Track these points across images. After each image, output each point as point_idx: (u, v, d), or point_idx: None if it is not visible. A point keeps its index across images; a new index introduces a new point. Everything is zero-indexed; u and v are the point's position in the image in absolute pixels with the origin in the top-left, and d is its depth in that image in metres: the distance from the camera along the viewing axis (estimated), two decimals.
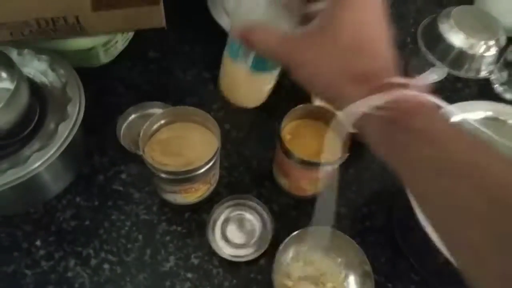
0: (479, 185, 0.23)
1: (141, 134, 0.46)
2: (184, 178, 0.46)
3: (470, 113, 0.52)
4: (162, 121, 0.49)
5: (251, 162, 0.59)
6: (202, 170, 0.46)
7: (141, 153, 0.46)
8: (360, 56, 0.29)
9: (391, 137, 0.27)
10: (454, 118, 0.51)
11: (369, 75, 0.28)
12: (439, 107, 0.28)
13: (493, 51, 0.69)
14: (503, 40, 0.70)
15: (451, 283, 0.51)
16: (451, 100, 0.35)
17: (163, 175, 0.46)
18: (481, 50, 0.69)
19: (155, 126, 0.48)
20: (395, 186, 0.52)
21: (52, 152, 0.47)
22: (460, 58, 0.69)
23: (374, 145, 0.30)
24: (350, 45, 0.29)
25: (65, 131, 0.49)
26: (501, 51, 0.69)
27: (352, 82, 0.29)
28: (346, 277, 0.50)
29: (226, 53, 0.41)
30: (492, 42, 0.69)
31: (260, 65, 0.39)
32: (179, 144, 0.49)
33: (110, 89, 0.63)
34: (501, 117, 0.52)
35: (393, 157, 0.28)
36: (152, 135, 0.49)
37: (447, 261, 0.42)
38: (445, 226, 0.25)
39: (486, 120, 0.52)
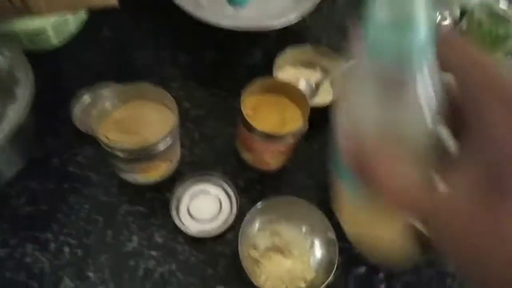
0: None
1: (93, 114, 0.45)
2: (142, 156, 0.45)
3: None
4: (116, 100, 0.47)
5: (214, 139, 0.58)
6: (160, 146, 0.45)
7: (94, 133, 0.44)
8: None
9: None
10: None
11: None
12: None
13: (448, 21, 0.71)
14: (457, 11, 0.72)
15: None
16: None
17: (119, 154, 0.45)
18: (437, 20, 0.70)
19: (109, 106, 0.47)
20: None
21: (1, 136, 0.45)
22: None
23: None
24: None
25: (14, 114, 0.47)
26: (456, 22, 0.71)
27: None
28: (312, 244, 0.50)
29: (345, 192, 0.25)
30: (447, 12, 0.70)
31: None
32: (136, 123, 0.47)
33: (64, 72, 0.61)
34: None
35: None
36: (107, 115, 0.47)
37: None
38: None
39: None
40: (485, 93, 0.19)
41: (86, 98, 0.57)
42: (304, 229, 0.51)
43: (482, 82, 0.19)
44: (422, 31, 0.17)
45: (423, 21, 0.17)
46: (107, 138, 0.46)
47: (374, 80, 0.19)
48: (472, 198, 0.18)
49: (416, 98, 0.19)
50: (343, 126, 0.21)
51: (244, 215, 0.49)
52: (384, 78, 0.19)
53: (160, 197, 0.52)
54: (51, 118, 0.56)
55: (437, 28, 0.18)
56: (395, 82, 0.19)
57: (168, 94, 0.48)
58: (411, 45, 0.18)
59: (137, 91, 0.48)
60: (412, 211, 0.20)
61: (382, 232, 0.25)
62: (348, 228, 0.27)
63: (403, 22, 0.17)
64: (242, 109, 0.50)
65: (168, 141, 0.46)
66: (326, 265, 0.48)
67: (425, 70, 0.18)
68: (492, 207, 0.18)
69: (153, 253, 0.49)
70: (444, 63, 0.20)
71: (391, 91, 0.19)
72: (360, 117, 0.21)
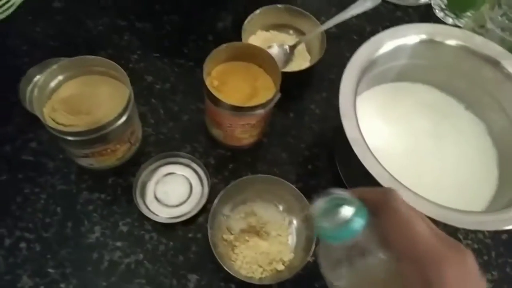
0: None
1: (36, 93, 0.40)
2: (94, 138, 0.41)
3: (403, 38, 0.48)
4: (61, 76, 0.42)
5: (181, 116, 0.54)
6: (114, 127, 0.41)
7: (39, 115, 0.40)
8: None
9: None
10: (388, 46, 0.47)
11: None
12: None
13: None
14: None
15: None
16: None
17: (69, 138, 0.40)
18: None
19: (53, 83, 0.42)
20: (335, 126, 0.49)
21: None
22: None
23: None
24: None
25: None
26: None
27: None
28: (289, 224, 0.47)
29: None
30: None
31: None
32: (86, 101, 0.42)
33: (9, 49, 0.55)
34: (437, 39, 0.48)
35: None
36: (52, 93, 0.42)
37: None
38: None
39: (421, 44, 0.48)
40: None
41: (37, 77, 0.52)
42: (281, 208, 0.48)
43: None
44: (353, 227, 0.25)
45: (352, 221, 0.25)
46: (54, 121, 0.41)
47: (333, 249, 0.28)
48: None
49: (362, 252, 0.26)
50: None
51: (216, 196, 0.45)
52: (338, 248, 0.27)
53: (122, 183, 0.48)
54: None
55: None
56: (344, 250, 0.27)
57: (118, 66, 0.42)
58: (347, 234, 0.25)
59: (85, 65, 0.43)
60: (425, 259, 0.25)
61: None
62: None
63: (338, 227, 0.25)
64: (206, 80, 0.45)
65: (123, 119, 0.42)
66: (304, 245, 0.45)
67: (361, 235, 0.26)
68: None
69: (118, 243, 0.45)
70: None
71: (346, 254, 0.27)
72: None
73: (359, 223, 0.25)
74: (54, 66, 0.42)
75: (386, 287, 0.27)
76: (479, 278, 0.25)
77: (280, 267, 0.45)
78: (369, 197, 0.28)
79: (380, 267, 0.27)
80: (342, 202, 0.26)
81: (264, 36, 0.59)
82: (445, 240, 0.26)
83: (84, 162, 0.45)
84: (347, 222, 0.25)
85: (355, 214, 0.25)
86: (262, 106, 0.45)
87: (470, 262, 0.25)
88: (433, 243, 0.25)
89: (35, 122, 0.49)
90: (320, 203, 0.27)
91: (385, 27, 0.48)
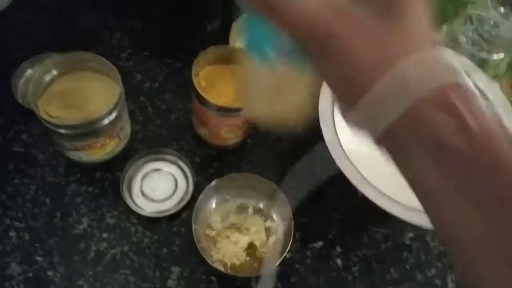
0: None
1: (31, 86, 0.42)
2: (85, 132, 0.43)
3: None
4: (55, 71, 0.44)
5: (169, 114, 0.56)
6: (105, 122, 0.43)
7: (34, 108, 0.41)
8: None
9: (412, 117, 0.20)
10: None
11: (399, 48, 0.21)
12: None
13: None
14: None
15: (370, 217, 0.52)
16: None
17: (61, 131, 0.42)
18: None
19: (47, 77, 0.44)
20: (315, 126, 0.52)
21: None
22: None
23: (412, 169, 0.21)
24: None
25: None
26: None
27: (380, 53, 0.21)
28: (269, 221, 0.50)
29: (247, 57, 0.27)
30: None
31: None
32: (78, 96, 0.44)
33: (2, 43, 0.56)
34: None
35: (406, 141, 0.20)
36: (46, 88, 0.44)
37: (364, 197, 0.43)
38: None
39: None
40: None
41: (29, 72, 0.53)
42: (261, 205, 0.51)
43: None
44: None
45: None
46: (48, 114, 0.43)
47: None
48: (374, 15, 0.21)
49: None
50: None
51: (200, 192, 0.48)
52: None
53: (110, 177, 0.50)
54: None
55: None
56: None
57: (111, 64, 0.44)
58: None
59: (79, 61, 0.45)
60: (311, 34, 0.21)
61: (282, 103, 0.29)
62: (249, 100, 0.30)
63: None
64: (194, 81, 0.48)
65: (114, 115, 0.44)
66: (283, 241, 0.48)
67: None
68: (389, 24, 0.21)
69: (104, 235, 0.47)
70: None
71: None
72: None
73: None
74: (49, 61, 0.44)
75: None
76: None
77: (259, 261, 0.47)
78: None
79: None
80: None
81: None
82: None
83: (74, 155, 0.47)
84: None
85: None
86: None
87: None
88: None
89: (26, 115, 0.51)
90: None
91: None
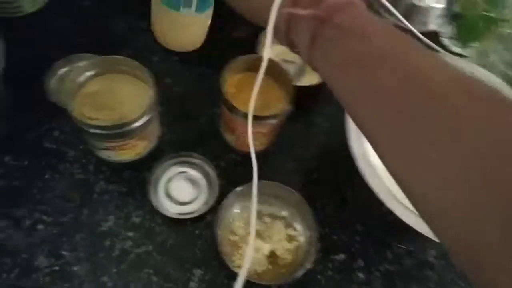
0: (394, 67, 0.24)
1: (66, 86, 0.43)
2: (117, 133, 0.44)
3: None
4: (90, 73, 0.45)
5: (197, 118, 0.57)
6: (137, 124, 0.44)
7: (67, 108, 0.43)
8: None
9: (318, 36, 0.28)
10: None
11: None
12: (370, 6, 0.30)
13: (441, 3, 0.68)
14: None
15: (395, 232, 0.52)
16: None
17: (93, 131, 0.43)
18: (430, 2, 0.68)
19: (82, 78, 0.45)
20: (342, 139, 0.52)
21: None
22: (409, 10, 0.68)
23: (303, 50, 0.29)
24: None
25: None
26: (449, 4, 0.69)
27: None
28: (292, 230, 0.50)
29: (158, 4, 0.44)
30: None
31: (202, 4, 0.44)
32: (111, 97, 0.45)
33: (37, 41, 0.58)
34: None
35: (319, 57, 0.29)
36: (80, 88, 0.45)
37: (390, 211, 0.43)
38: (363, 111, 0.26)
39: None
40: None
41: (61, 70, 0.55)
42: (284, 214, 0.51)
43: None
44: None
45: None
46: (81, 114, 0.44)
47: None
48: None
49: None
50: None
51: (225, 198, 0.48)
52: None
53: (138, 176, 0.51)
54: (25, 90, 0.53)
55: None
56: None
57: (145, 68, 0.46)
58: None
59: (113, 64, 0.46)
60: None
61: (185, 33, 0.49)
62: (159, 31, 0.48)
63: None
64: (223, 87, 0.48)
65: (145, 118, 0.45)
66: (305, 251, 0.48)
67: None
68: None
69: (130, 233, 0.48)
70: None
71: None
72: None
73: None
74: (85, 63, 0.45)
75: None
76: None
77: (281, 270, 0.48)
78: None
79: None
80: None
81: (279, 50, 0.62)
82: None
83: (104, 154, 0.48)
84: None
85: None
86: (275, 117, 0.48)
87: None
88: None
89: (58, 112, 0.52)
90: None
91: None
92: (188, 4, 0.41)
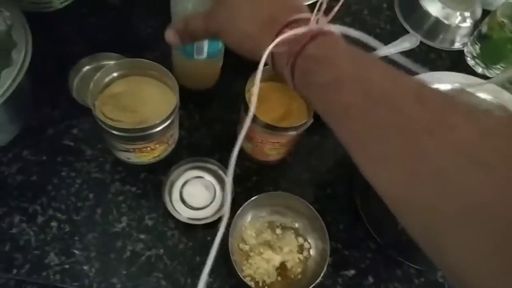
0: (359, 88, 0.27)
1: (91, 86, 0.43)
2: (138, 136, 0.44)
3: (438, 84, 0.50)
4: (115, 73, 0.45)
5: (214, 124, 0.56)
6: (158, 129, 0.44)
7: (91, 107, 0.43)
8: (264, 2, 0.34)
9: (296, 68, 0.31)
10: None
11: (276, 16, 0.32)
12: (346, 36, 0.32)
13: (468, 22, 0.68)
14: (478, 12, 0.69)
15: (408, 251, 0.51)
16: None
17: (115, 132, 0.43)
18: (457, 21, 0.67)
19: (107, 79, 0.45)
20: None
21: None
22: (435, 27, 0.68)
23: (288, 80, 0.33)
24: None
25: (8, 78, 0.44)
26: (476, 24, 0.68)
27: (263, 27, 0.33)
28: (303, 242, 0.49)
29: (177, 55, 0.51)
30: (467, 14, 0.67)
31: (212, 51, 0.49)
32: (134, 100, 0.45)
33: (63, 37, 0.59)
34: (469, 90, 0.51)
35: (299, 84, 0.32)
36: (105, 88, 0.45)
37: (404, 230, 0.42)
38: (336, 124, 0.30)
39: (452, 92, 0.51)
40: None
41: (86, 68, 0.55)
42: (297, 226, 0.50)
43: None
44: None
45: None
46: (103, 114, 0.44)
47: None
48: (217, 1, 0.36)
49: None
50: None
51: (238, 205, 0.48)
52: None
53: (153, 179, 0.51)
54: (48, 85, 0.54)
55: None
56: None
57: (170, 73, 0.46)
58: None
59: (139, 67, 0.46)
60: (207, 33, 0.38)
61: (202, 72, 0.55)
62: (180, 76, 0.50)
63: None
64: (247, 96, 0.48)
65: (167, 123, 0.45)
66: (315, 265, 0.48)
67: None
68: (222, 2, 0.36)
69: (142, 236, 0.48)
70: None
71: None
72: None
73: None
74: (111, 64, 0.45)
75: None
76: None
77: (289, 282, 0.47)
78: None
79: None
80: None
81: None
82: None
83: (123, 155, 0.48)
84: None
85: None
86: (295, 128, 0.48)
87: None
88: None
89: (79, 110, 0.52)
90: None
91: None
92: (200, 53, 0.48)
